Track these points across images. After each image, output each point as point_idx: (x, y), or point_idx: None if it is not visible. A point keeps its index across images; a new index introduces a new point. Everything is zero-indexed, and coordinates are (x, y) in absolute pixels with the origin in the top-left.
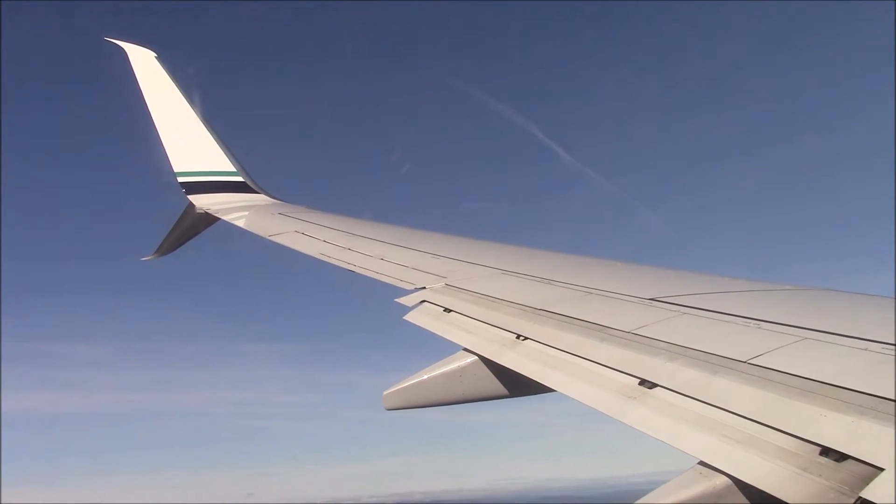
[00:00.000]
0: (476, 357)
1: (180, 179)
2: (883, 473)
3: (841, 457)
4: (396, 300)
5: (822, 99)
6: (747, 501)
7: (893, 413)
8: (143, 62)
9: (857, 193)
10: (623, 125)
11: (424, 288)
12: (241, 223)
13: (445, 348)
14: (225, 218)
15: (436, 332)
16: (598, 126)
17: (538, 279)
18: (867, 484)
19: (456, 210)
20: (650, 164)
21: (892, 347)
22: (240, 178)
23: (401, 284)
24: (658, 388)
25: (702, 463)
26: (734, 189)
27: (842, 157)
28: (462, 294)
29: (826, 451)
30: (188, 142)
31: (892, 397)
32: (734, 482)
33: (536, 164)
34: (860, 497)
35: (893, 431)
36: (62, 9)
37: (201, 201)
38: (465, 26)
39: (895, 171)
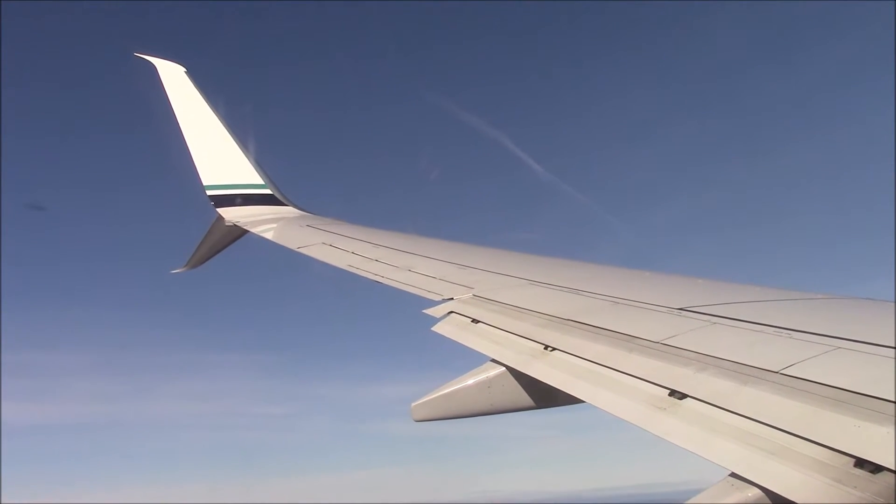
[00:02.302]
0: (504, 368)
1: (209, 192)
2: None
3: (876, 468)
4: (424, 311)
5: (811, 104)
6: None
7: None
8: (173, 77)
9: (844, 200)
10: (595, 135)
11: (452, 299)
12: (269, 235)
13: (471, 359)
14: (253, 230)
15: (464, 342)
16: (570, 137)
17: (566, 289)
18: None
19: (425, 219)
20: (622, 174)
21: None
22: (268, 191)
23: (428, 295)
24: (688, 398)
25: (733, 474)
26: (711, 199)
27: (830, 163)
28: (490, 305)
29: (861, 463)
30: (217, 155)
31: None
32: (767, 494)
33: (506, 173)
34: None
35: None
36: (91, 22)
37: (230, 214)
38: (431, 34)
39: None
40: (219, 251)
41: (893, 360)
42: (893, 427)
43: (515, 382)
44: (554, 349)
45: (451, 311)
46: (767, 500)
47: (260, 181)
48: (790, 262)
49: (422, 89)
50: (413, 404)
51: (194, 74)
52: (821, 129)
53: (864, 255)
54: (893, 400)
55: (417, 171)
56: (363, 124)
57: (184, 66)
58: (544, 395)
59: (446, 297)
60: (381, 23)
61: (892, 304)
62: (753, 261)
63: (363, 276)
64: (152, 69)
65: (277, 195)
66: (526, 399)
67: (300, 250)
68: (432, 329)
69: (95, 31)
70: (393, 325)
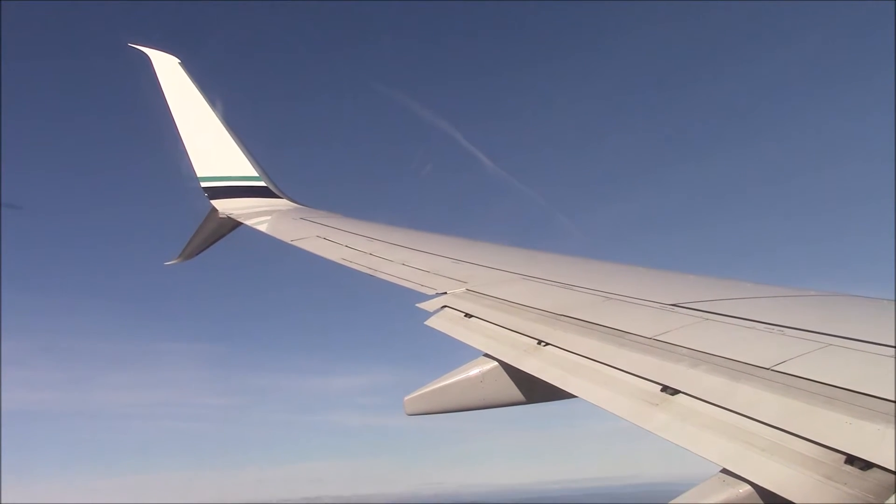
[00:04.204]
0: (497, 362)
1: (203, 184)
2: None
3: (867, 465)
4: (417, 305)
5: (777, 103)
6: None
7: None
8: (167, 68)
9: (834, 198)
10: (546, 133)
11: (446, 293)
12: (263, 228)
13: (464, 354)
14: (247, 222)
15: (457, 337)
16: (521, 134)
17: (559, 284)
18: (893, 493)
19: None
20: (573, 172)
21: None
22: (262, 183)
23: (422, 289)
24: (680, 394)
25: (724, 471)
26: (660, 200)
27: (819, 161)
28: (483, 299)
29: (851, 460)
30: (211, 147)
31: None
32: (757, 490)
33: (458, 169)
34: None
35: None
36: (83, 13)
37: (224, 206)
38: (386, 29)
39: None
40: (212, 243)
41: (886, 357)
42: (885, 424)
43: (508, 377)
44: (547, 344)
45: (445, 306)
46: (758, 497)
47: (254, 173)
48: (745, 260)
49: (374, 82)
50: (406, 398)
51: (188, 66)
52: (802, 127)
53: (856, 254)
54: (885, 397)
55: (371, 163)
56: (324, 117)
57: (178, 57)
58: (537, 390)
59: (440, 292)
60: (338, 18)
61: (884, 301)
62: (707, 259)
63: (357, 270)
64: (147, 60)
65: (272, 187)
66: (518, 394)
67: (294, 243)
68: (425, 323)
69: (90, 21)
70: (386, 319)
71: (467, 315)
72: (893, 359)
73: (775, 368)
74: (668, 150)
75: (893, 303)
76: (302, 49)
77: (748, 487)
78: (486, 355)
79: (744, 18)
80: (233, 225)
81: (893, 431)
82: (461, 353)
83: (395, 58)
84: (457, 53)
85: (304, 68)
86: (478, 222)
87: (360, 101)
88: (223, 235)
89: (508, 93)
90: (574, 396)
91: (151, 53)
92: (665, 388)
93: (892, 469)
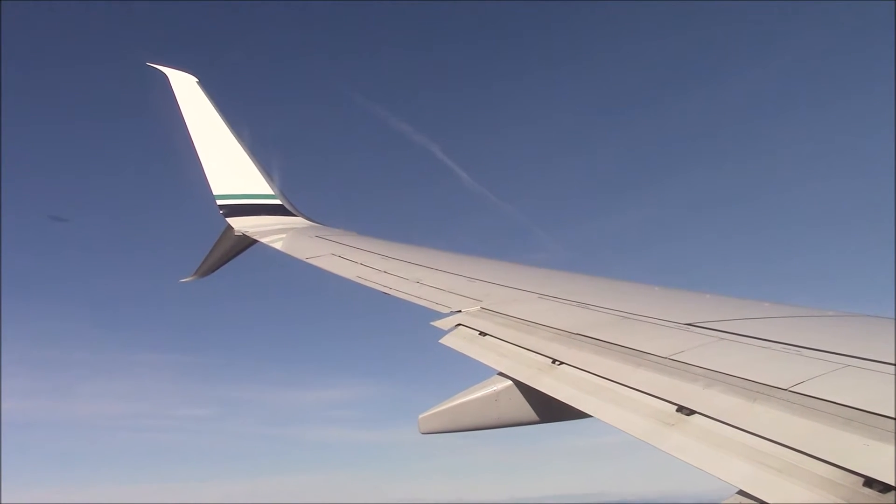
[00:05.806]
0: (511, 381)
1: (219, 202)
2: None
3: (885, 488)
4: (432, 323)
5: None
6: None
7: None
8: (185, 87)
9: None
10: (524, 148)
11: (460, 311)
12: (278, 245)
13: (479, 372)
14: (262, 240)
15: (471, 355)
16: (498, 149)
17: (574, 303)
18: None
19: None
20: (551, 186)
21: None
22: (278, 202)
23: (437, 308)
24: (696, 414)
25: (741, 492)
26: (643, 214)
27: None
28: (498, 318)
29: (870, 482)
30: (227, 165)
31: None
32: None
33: (435, 183)
34: None
35: None
36: (103, 30)
37: (239, 224)
38: (362, 36)
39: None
40: (228, 260)
41: None
42: None
43: (522, 396)
44: (561, 363)
45: (459, 324)
46: None
47: (270, 191)
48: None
49: (345, 88)
50: (420, 416)
51: (206, 84)
52: (799, 133)
53: (860, 267)
54: None
55: (344, 174)
56: (294, 126)
57: (196, 76)
58: (551, 409)
59: (454, 310)
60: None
61: None
62: (701, 274)
63: (372, 288)
64: (164, 79)
65: (287, 205)
66: (532, 413)
67: (309, 261)
68: (440, 341)
69: (107, 39)
70: (400, 337)
71: (482, 333)
72: None
73: (792, 389)
74: (652, 163)
75: None
76: (267, 56)
77: None
78: (501, 374)
79: (734, 22)
80: (248, 242)
81: None
82: (475, 371)
83: (369, 67)
84: (432, 63)
85: (271, 77)
86: (453, 236)
87: (335, 111)
88: (239, 253)
89: (487, 104)
90: (589, 416)
91: (169, 72)
92: (680, 409)
93: None
